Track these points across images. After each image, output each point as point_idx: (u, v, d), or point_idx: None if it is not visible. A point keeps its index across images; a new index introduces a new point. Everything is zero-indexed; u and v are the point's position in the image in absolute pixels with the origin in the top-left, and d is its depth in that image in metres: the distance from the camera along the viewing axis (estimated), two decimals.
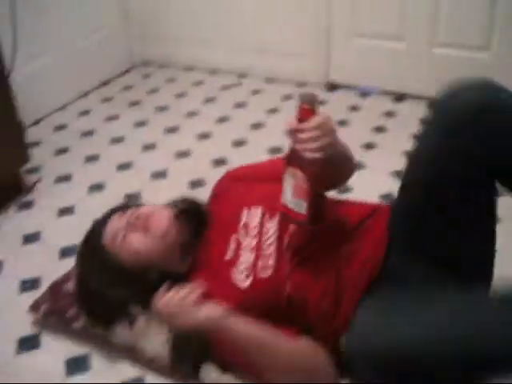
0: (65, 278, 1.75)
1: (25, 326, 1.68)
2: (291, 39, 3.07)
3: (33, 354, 1.60)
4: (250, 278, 1.37)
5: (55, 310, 1.66)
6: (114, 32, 3.38)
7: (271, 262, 1.39)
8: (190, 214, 1.56)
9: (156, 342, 1.51)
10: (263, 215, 1.46)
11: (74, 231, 2.03)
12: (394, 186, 2.17)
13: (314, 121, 1.18)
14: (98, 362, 1.56)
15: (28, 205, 2.25)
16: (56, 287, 1.74)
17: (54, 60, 2.97)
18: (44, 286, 1.81)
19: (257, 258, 1.40)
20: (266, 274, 1.38)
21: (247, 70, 3.27)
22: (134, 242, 1.45)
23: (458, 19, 2.64)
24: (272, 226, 1.43)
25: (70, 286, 1.69)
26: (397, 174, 2.27)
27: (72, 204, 2.23)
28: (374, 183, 2.22)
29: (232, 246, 1.44)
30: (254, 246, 1.42)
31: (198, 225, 1.54)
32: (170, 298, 1.31)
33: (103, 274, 1.46)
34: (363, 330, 1.23)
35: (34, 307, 1.69)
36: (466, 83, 1.28)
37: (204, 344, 1.42)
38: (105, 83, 3.31)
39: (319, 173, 1.23)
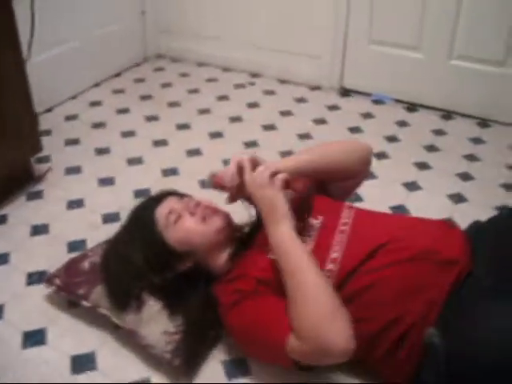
0: (81, 257, 1.77)
1: (31, 319, 1.68)
2: (307, 42, 3.06)
3: (39, 349, 1.59)
4: None
5: (67, 286, 1.68)
6: (130, 24, 3.36)
7: (310, 247, 1.45)
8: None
9: (155, 331, 1.52)
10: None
11: (83, 225, 2.06)
12: (404, 198, 2.19)
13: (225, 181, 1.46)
14: (104, 360, 1.55)
15: (37, 195, 2.23)
16: (72, 264, 1.75)
17: (68, 49, 2.95)
18: None
19: None
20: None
21: (261, 70, 3.27)
22: (188, 225, 1.49)
23: (476, 32, 2.64)
24: (315, 223, 1.51)
25: (86, 265, 1.72)
26: (406, 185, 2.27)
27: (81, 197, 2.22)
28: (384, 194, 2.22)
29: None
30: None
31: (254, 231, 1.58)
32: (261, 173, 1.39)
33: (142, 244, 1.50)
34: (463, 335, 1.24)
35: (49, 280, 1.72)
36: None
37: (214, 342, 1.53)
38: (117, 74, 3.30)
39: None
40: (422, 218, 1.58)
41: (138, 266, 1.49)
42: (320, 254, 1.42)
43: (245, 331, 1.41)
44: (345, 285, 1.37)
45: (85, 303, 1.63)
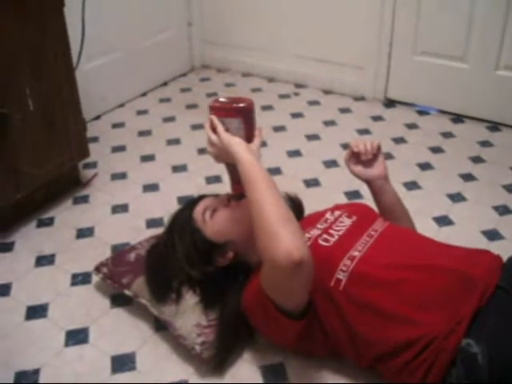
0: (129, 249, 1.86)
1: (74, 319, 1.72)
2: (352, 52, 3.07)
3: (81, 347, 1.62)
4: (309, 243, 1.45)
5: (113, 275, 1.75)
6: (177, 35, 3.42)
7: (333, 239, 1.49)
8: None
9: (188, 323, 1.55)
10: (342, 213, 1.62)
11: (127, 229, 2.09)
12: (448, 209, 2.16)
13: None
14: (143, 361, 1.58)
15: (83, 199, 2.28)
16: (120, 255, 1.84)
17: (117, 58, 3.02)
18: (94, 281, 1.85)
19: (322, 233, 1.52)
20: (325, 243, 1.47)
21: (305, 80, 3.28)
22: (223, 215, 1.54)
23: None
24: (346, 220, 1.58)
25: (132, 256, 1.80)
26: (451, 196, 2.25)
27: (126, 202, 2.26)
28: (428, 204, 2.20)
29: (307, 229, 1.53)
30: (323, 227, 1.55)
31: None
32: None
33: (182, 241, 1.55)
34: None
35: (97, 268, 1.80)
36: None
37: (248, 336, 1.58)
38: (164, 84, 3.36)
39: None
40: (452, 245, 1.55)
41: (178, 263, 1.54)
42: (341, 248, 1.45)
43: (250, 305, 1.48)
44: (357, 286, 1.37)
45: (126, 292, 1.70)
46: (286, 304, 1.38)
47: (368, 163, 1.69)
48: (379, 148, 1.68)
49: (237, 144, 1.39)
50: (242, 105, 1.45)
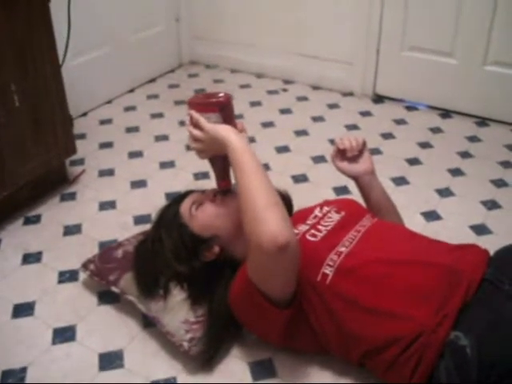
0: (116, 246, 1.84)
1: (61, 316, 1.70)
2: (340, 48, 3.06)
3: (68, 345, 1.61)
4: (297, 237, 1.44)
5: (100, 272, 1.75)
6: (165, 31, 3.40)
7: (321, 234, 1.49)
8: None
9: (176, 320, 1.55)
10: (331, 209, 1.61)
11: (114, 226, 2.08)
12: (437, 203, 2.16)
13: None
14: (131, 359, 1.57)
15: (70, 196, 2.27)
16: (107, 251, 1.83)
17: (104, 54, 3.00)
18: (81, 279, 1.83)
19: (310, 228, 1.52)
20: (313, 238, 1.47)
21: (294, 76, 3.27)
22: (209, 209, 1.53)
23: (511, 37, 2.61)
24: (335, 216, 1.57)
25: (119, 252, 1.79)
26: (439, 191, 2.25)
27: (113, 199, 2.25)
28: (416, 199, 2.20)
29: (296, 226, 1.52)
30: (311, 223, 1.54)
31: None
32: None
33: (169, 237, 1.54)
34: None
35: (85, 265, 1.79)
36: None
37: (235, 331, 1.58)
38: (152, 80, 3.34)
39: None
40: (440, 241, 1.56)
41: (165, 258, 1.53)
42: (328, 243, 1.45)
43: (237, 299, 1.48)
44: (344, 281, 1.37)
45: (114, 289, 1.69)
46: (272, 291, 1.37)
47: (354, 159, 1.70)
48: (364, 144, 1.69)
49: (225, 129, 1.38)
50: (218, 99, 1.44)
